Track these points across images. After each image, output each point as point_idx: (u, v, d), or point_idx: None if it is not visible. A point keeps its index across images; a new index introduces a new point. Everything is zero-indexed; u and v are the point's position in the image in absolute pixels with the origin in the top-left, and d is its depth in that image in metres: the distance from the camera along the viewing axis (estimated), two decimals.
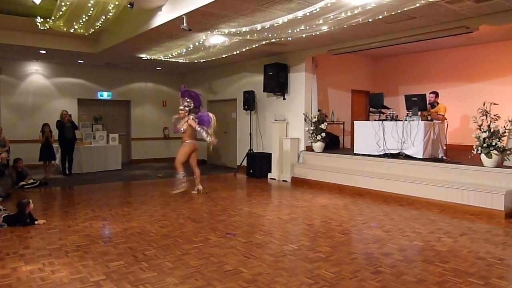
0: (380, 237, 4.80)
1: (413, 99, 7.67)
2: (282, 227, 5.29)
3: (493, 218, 5.74)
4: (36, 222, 5.30)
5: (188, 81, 13.94)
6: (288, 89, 9.85)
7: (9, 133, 9.80)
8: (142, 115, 13.27)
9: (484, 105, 6.42)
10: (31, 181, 8.27)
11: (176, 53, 9.35)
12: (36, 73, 11.51)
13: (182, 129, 7.44)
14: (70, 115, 10.11)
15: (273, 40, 7.68)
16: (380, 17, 5.93)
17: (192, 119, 7.40)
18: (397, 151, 7.64)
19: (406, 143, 7.47)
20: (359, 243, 4.69)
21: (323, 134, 9.06)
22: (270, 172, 9.82)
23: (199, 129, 7.41)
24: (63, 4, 6.27)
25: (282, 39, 7.55)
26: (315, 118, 9.20)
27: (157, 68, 12.89)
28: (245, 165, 10.35)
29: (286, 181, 9.35)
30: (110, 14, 6.54)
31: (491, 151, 6.25)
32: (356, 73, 11.52)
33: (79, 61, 11.45)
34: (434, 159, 7.25)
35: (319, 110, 9.47)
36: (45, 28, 7.37)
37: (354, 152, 8.44)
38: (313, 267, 3.79)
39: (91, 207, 6.45)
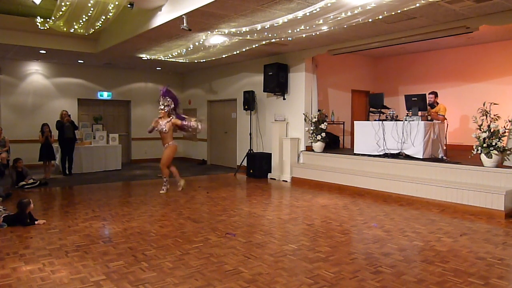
0: (380, 237, 4.80)
1: (413, 99, 7.67)
2: (282, 227, 5.29)
3: (493, 218, 5.74)
4: (36, 222, 5.30)
5: (188, 81, 13.95)
6: (288, 89, 9.85)
7: (9, 133, 9.79)
8: (142, 115, 13.26)
9: (484, 105, 6.42)
10: (31, 181, 8.27)
11: (176, 53, 9.35)
12: (36, 73, 11.51)
13: (165, 129, 7.41)
14: (70, 115, 10.11)
15: (273, 40, 7.68)
16: (380, 17, 5.93)
17: (175, 118, 7.48)
18: (397, 151, 7.64)
19: (406, 143, 7.47)
20: (359, 243, 4.69)
21: (323, 134, 9.06)
22: (270, 172, 9.82)
23: (186, 123, 7.40)
24: (63, 4, 6.27)
25: (282, 39, 7.55)
26: (315, 118, 9.20)
27: (157, 68, 12.90)
28: (245, 165, 10.35)
29: (286, 181, 9.35)
30: (110, 14, 6.54)
31: (491, 151, 6.25)
32: (356, 73, 11.52)
33: (79, 61, 11.45)
34: (434, 159, 7.25)
35: (319, 110, 9.47)
36: (45, 28, 7.36)
37: (354, 152, 8.44)
38: (313, 267, 3.79)
39: (91, 207, 6.45)
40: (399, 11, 5.67)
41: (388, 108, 8.27)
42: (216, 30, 7.22)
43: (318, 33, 6.98)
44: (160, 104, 7.52)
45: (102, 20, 6.83)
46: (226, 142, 12.24)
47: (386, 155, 7.78)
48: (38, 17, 7.36)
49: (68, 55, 10.42)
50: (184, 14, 6.30)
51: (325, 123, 9.10)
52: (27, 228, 5.12)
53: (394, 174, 7.45)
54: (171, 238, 4.72)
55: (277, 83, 9.57)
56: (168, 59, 10.09)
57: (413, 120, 7.39)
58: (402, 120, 7.58)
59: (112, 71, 12.68)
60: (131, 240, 4.64)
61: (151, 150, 13.36)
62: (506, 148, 6.28)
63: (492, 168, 6.27)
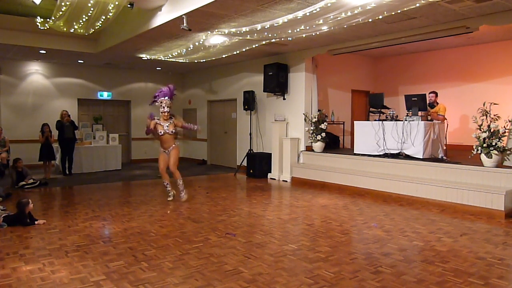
0: (380, 237, 4.80)
1: (413, 99, 7.67)
2: (282, 227, 5.29)
3: (493, 218, 5.74)
4: (36, 222, 5.30)
5: (188, 81, 13.95)
6: (288, 89, 9.84)
7: (9, 133, 9.80)
8: (142, 115, 13.21)
9: (484, 105, 6.42)
10: (31, 181, 8.27)
11: (176, 53, 9.35)
12: (36, 73, 11.51)
13: (172, 131, 6.89)
14: (70, 115, 10.11)
15: (273, 40, 7.68)
16: (380, 17, 5.93)
17: (175, 119, 7.03)
18: (397, 151, 7.64)
19: (406, 143, 7.47)
20: (359, 243, 4.69)
21: (323, 134, 9.06)
22: (270, 172, 9.82)
23: (186, 125, 7.21)
24: (63, 4, 6.27)
25: (282, 39, 7.55)
26: (315, 118, 9.20)
27: (157, 68, 12.90)
28: (245, 165, 10.35)
29: (286, 181, 9.35)
30: (110, 14, 6.54)
31: (491, 151, 6.25)
32: (356, 73, 11.52)
33: (79, 61, 11.45)
34: (434, 159, 7.25)
35: (319, 110, 9.47)
36: (45, 28, 7.36)
37: (354, 152, 8.44)
38: (313, 267, 3.79)
39: (91, 207, 6.45)
40: (399, 11, 5.67)
41: (388, 108, 8.27)
42: (216, 30, 7.22)
43: (318, 33, 6.98)
44: (163, 105, 7.16)
45: (102, 20, 6.83)
46: (226, 142, 12.25)
47: (386, 155, 7.78)
48: (38, 17, 7.36)
49: (68, 55, 10.42)
50: (184, 14, 6.30)
51: (325, 123, 9.10)
52: (27, 228, 5.12)
53: (394, 174, 7.45)
54: (171, 238, 4.72)
55: (277, 83, 9.57)
56: (168, 59, 10.09)
57: (413, 120, 7.39)
58: (402, 120, 7.58)
59: (112, 71, 12.69)
60: (131, 240, 4.64)
61: (151, 150, 13.34)
62: (506, 148, 6.28)
63: (492, 168, 6.27)
